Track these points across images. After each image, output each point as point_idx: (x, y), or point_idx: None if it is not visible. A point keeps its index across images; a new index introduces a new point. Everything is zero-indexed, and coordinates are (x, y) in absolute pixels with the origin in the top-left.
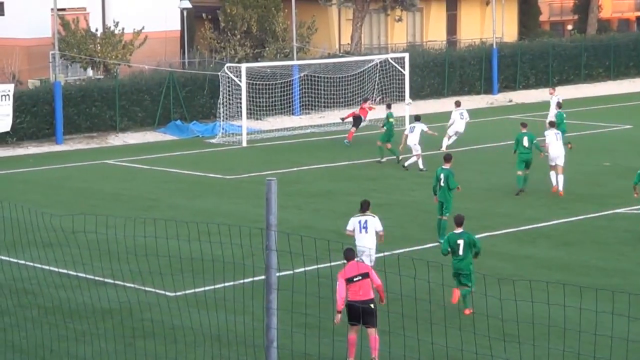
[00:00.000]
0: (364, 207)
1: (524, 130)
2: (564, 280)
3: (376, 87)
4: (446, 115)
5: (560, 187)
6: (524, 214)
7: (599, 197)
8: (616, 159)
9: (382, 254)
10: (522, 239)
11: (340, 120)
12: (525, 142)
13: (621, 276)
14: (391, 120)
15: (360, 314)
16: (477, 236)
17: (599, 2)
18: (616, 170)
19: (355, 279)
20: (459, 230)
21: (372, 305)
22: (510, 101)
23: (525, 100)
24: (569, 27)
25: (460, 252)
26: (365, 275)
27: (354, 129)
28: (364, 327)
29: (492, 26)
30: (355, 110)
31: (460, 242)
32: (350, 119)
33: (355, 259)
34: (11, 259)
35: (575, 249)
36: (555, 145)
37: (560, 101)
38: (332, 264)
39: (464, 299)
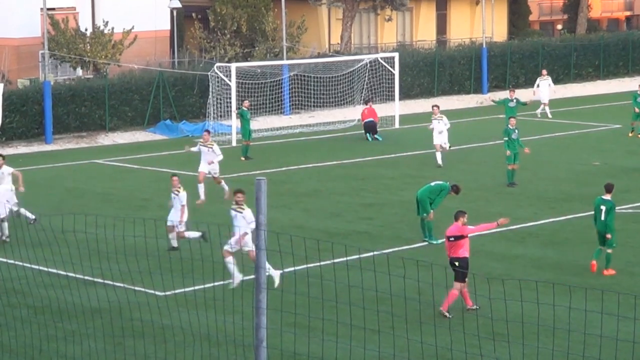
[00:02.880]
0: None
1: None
2: (554, 280)
3: (366, 86)
4: None
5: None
6: (513, 213)
7: (587, 196)
8: (605, 158)
9: (371, 254)
10: (511, 239)
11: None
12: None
13: (610, 276)
14: None
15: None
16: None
17: (588, 1)
18: (605, 170)
19: (450, 239)
20: (607, 197)
21: (456, 263)
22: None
23: None
24: (559, 26)
25: (602, 217)
26: (458, 238)
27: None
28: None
29: (482, 26)
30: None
31: (603, 207)
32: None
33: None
34: (0, 259)
35: (564, 248)
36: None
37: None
38: (322, 263)
39: (607, 261)
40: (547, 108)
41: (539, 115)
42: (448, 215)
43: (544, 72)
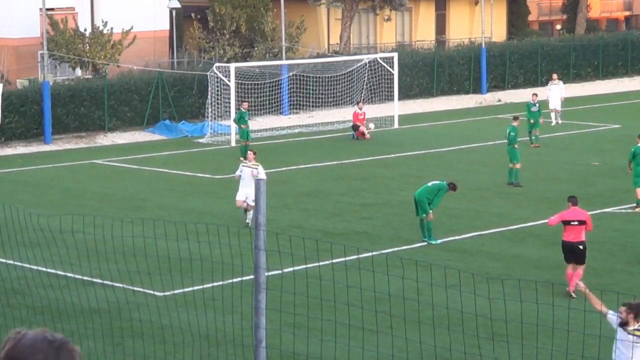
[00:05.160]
0: None
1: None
2: (553, 280)
3: (365, 87)
4: (435, 115)
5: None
6: (513, 213)
7: (587, 196)
8: (605, 158)
9: (370, 254)
10: (511, 239)
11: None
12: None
13: (610, 275)
14: None
15: (572, 252)
16: (465, 236)
17: (587, 1)
18: (605, 170)
19: (572, 223)
20: None
21: (580, 247)
22: (499, 101)
23: (514, 99)
24: (558, 26)
25: None
26: (582, 222)
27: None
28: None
29: (481, 26)
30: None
31: None
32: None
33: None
34: None
35: None
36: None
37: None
38: (321, 263)
39: None
40: (556, 115)
41: (553, 124)
42: (447, 215)
43: (555, 76)
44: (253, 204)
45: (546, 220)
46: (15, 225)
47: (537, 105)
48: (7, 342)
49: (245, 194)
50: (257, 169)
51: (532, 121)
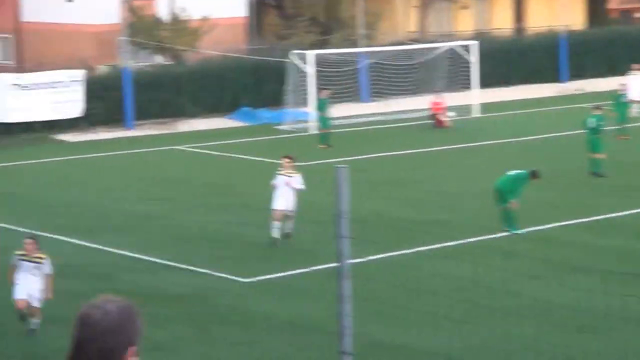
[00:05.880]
0: None
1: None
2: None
3: (444, 75)
4: (514, 104)
5: None
6: (596, 203)
7: None
8: None
9: (453, 243)
10: (595, 229)
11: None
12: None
13: None
14: None
15: None
16: (549, 226)
17: None
18: None
19: None
20: None
21: None
22: (579, 90)
23: (594, 88)
24: (638, 14)
25: None
26: None
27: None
28: None
29: (560, 14)
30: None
31: None
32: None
33: None
34: (86, 244)
35: None
36: None
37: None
38: (404, 251)
39: None
40: (638, 105)
41: (634, 115)
42: (529, 204)
43: (635, 66)
44: (291, 214)
45: (633, 211)
46: (101, 210)
47: (627, 96)
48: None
49: (282, 204)
50: (292, 177)
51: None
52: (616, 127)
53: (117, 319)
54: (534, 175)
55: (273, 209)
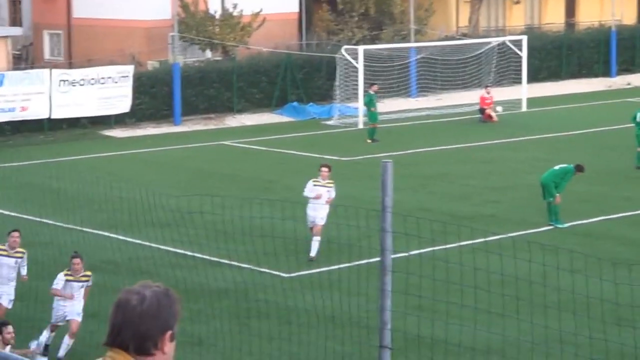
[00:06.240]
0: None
1: None
2: None
3: (493, 69)
4: (563, 98)
5: None
6: None
7: None
8: None
9: (497, 237)
10: (638, 224)
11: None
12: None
13: None
14: None
15: None
16: (593, 220)
17: None
18: None
19: None
20: None
21: None
22: (629, 84)
23: None
24: None
25: None
26: None
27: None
28: None
29: (612, 8)
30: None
31: None
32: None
33: None
34: (128, 239)
35: None
36: None
37: None
38: (447, 246)
39: None
40: None
41: None
42: (574, 199)
43: None
44: (321, 223)
45: None
46: (145, 205)
47: None
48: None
49: (318, 219)
50: (331, 188)
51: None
52: None
53: (154, 303)
54: (579, 169)
55: (312, 224)
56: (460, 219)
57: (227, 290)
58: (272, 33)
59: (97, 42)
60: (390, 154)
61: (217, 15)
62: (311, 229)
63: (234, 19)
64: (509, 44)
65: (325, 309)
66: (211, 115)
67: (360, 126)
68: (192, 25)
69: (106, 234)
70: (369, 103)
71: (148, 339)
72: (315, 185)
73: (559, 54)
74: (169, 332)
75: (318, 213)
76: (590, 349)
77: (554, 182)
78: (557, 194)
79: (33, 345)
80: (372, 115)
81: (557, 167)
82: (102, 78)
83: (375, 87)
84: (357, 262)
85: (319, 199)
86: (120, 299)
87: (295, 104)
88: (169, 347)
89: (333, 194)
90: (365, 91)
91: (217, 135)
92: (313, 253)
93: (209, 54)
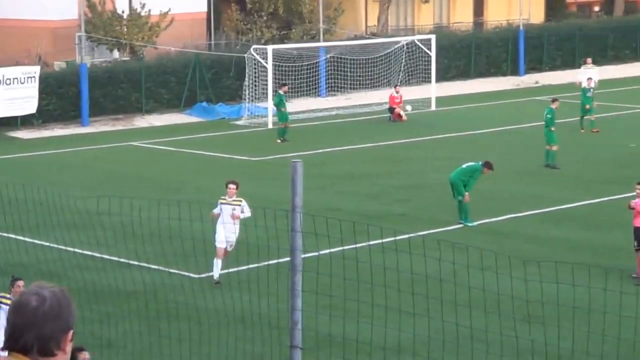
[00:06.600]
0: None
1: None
2: (590, 262)
3: (402, 69)
4: (472, 97)
5: None
6: (550, 195)
7: (624, 178)
8: None
9: (407, 236)
10: (547, 221)
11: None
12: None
13: None
14: None
15: None
16: (502, 218)
17: None
18: None
19: None
20: None
21: None
22: (537, 83)
23: (551, 81)
24: (596, 8)
25: None
26: None
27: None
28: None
29: (519, 7)
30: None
31: None
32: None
33: None
34: (36, 241)
35: (601, 230)
36: None
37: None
38: (357, 245)
39: None
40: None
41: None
42: (483, 197)
43: (589, 60)
44: (229, 249)
45: (584, 202)
46: (52, 207)
47: (592, 90)
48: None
49: (227, 238)
50: (239, 206)
51: (587, 107)
52: (582, 122)
53: (55, 303)
54: (487, 166)
55: (217, 246)
56: (369, 218)
57: (137, 291)
58: (180, 33)
59: (3, 43)
60: (300, 153)
61: (125, 15)
62: (223, 249)
63: (141, 18)
64: (418, 43)
65: (235, 310)
66: (119, 116)
67: (270, 126)
68: (100, 25)
69: (13, 236)
70: (280, 103)
71: (51, 339)
72: (221, 203)
73: (467, 53)
74: (70, 332)
75: (230, 235)
76: (501, 346)
77: (462, 180)
78: (466, 193)
79: None
80: (282, 115)
81: (465, 165)
82: (8, 79)
83: (285, 88)
84: (267, 262)
85: (230, 218)
86: (19, 301)
87: (204, 104)
88: (70, 346)
89: (247, 213)
90: (275, 91)
91: (125, 136)
92: (217, 274)
93: (116, 54)
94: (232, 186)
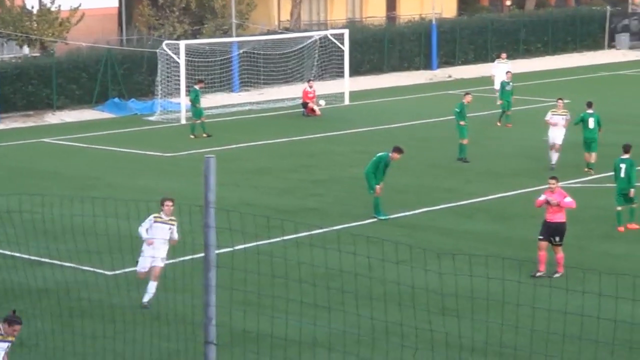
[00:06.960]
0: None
1: (590, 111)
2: (503, 254)
3: (315, 63)
4: (385, 91)
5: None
6: (462, 189)
7: (536, 171)
8: None
9: (321, 230)
10: (460, 214)
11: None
12: (591, 124)
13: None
14: None
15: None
16: (416, 211)
17: None
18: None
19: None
20: (626, 156)
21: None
22: (450, 77)
23: (464, 75)
24: (508, 2)
25: (622, 175)
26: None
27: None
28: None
29: (432, 2)
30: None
31: (623, 165)
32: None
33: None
34: None
35: (513, 223)
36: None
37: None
38: (271, 240)
39: (632, 215)
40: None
41: (499, 103)
42: (397, 191)
43: (503, 55)
44: (162, 264)
45: (495, 196)
46: None
47: (511, 84)
48: None
49: (152, 257)
50: (174, 226)
51: (499, 102)
52: (502, 116)
53: None
54: (396, 150)
55: (140, 270)
56: (283, 213)
57: (49, 289)
58: (91, 28)
59: None
60: (213, 149)
61: (35, 11)
62: (147, 270)
63: (51, 14)
64: (330, 37)
65: (150, 306)
66: (30, 112)
67: (183, 122)
68: (9, 20)
69: None
70: (195, 99)
71: None
72: (156, 222)
73: (380, 48)
74: None
75: (158, 252)
76: (416, 339)
77: (373, 172)
78: (377, 185)
79: None
80: (196, 111)
81: (375, 157)
82: None
83: (201, 84)
84: (181, 258)
85: (162, 239)
86: None
87: (116, 99)
88: None
89: (176, 235)
90: (190, 87)
91: (36, 132)
92: (147, 299)
93: (26, 50)
94: (169, 203)
